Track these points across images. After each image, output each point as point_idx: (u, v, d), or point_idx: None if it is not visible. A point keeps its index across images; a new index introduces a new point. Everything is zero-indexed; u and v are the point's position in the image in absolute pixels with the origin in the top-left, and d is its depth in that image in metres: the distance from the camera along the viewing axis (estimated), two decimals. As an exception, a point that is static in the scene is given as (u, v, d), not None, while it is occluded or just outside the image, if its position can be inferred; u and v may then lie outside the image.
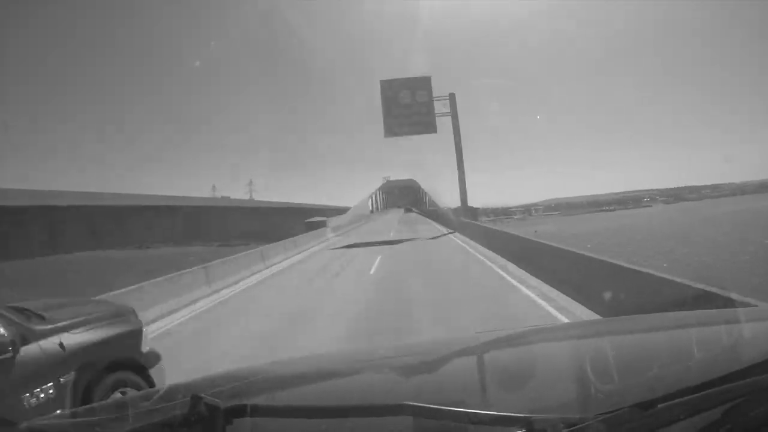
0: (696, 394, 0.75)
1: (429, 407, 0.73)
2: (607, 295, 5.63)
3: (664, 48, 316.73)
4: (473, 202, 31.02)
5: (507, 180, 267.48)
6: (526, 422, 0.69)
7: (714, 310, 3.21)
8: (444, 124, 26.80)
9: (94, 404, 1.14)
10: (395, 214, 63.73)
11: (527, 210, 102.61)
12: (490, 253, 13.57)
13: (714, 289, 4.17)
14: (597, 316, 5.70)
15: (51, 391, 2.26)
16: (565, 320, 5.81)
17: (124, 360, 2.94)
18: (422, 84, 26.29)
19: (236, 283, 11.29)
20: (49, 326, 2.55)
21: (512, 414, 0.73)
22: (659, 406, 0.72)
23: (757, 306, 3.40)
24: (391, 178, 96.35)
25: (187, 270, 9.82)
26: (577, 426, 0.69)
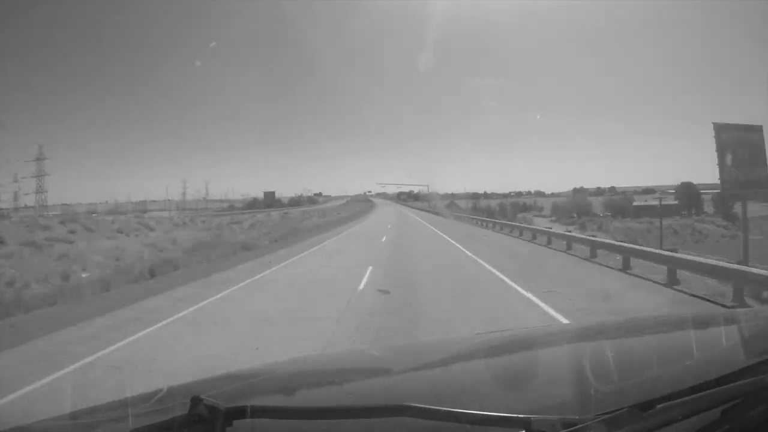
0: (694, 395, 0.76)
1: (429, 408, 0.73)
2: None
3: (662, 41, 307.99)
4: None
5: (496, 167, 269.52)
6: (525, 423, 0.70)
7: (711, 311, 3.24)
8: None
9: (95, 405, 1.14)
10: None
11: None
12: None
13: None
14: None
15: None
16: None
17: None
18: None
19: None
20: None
21: (512, 415, 0.74)
22: (658, 406, 0.73)
23: (753, 307, 3.41)
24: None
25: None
26: (577, 427, 0.69)
